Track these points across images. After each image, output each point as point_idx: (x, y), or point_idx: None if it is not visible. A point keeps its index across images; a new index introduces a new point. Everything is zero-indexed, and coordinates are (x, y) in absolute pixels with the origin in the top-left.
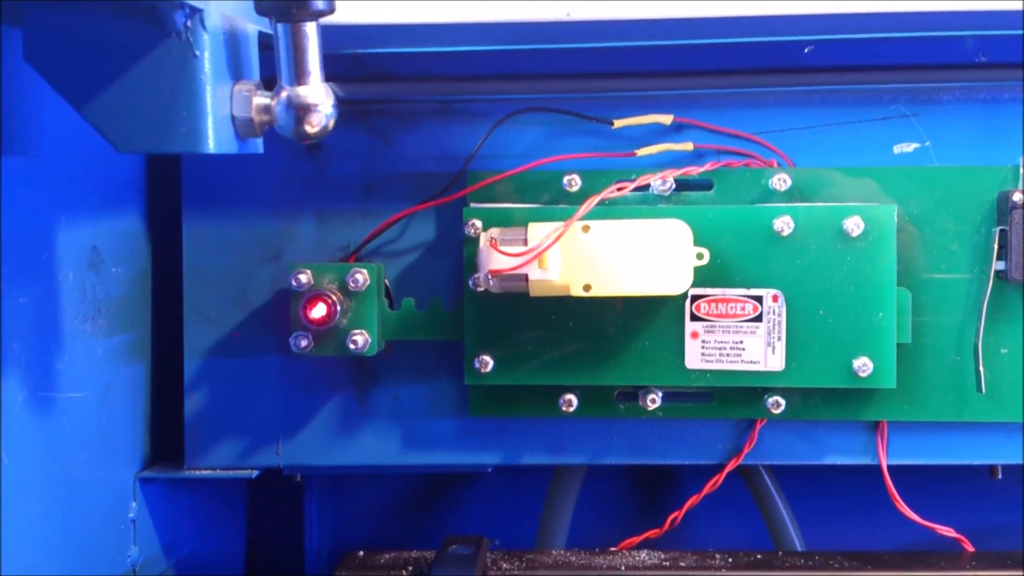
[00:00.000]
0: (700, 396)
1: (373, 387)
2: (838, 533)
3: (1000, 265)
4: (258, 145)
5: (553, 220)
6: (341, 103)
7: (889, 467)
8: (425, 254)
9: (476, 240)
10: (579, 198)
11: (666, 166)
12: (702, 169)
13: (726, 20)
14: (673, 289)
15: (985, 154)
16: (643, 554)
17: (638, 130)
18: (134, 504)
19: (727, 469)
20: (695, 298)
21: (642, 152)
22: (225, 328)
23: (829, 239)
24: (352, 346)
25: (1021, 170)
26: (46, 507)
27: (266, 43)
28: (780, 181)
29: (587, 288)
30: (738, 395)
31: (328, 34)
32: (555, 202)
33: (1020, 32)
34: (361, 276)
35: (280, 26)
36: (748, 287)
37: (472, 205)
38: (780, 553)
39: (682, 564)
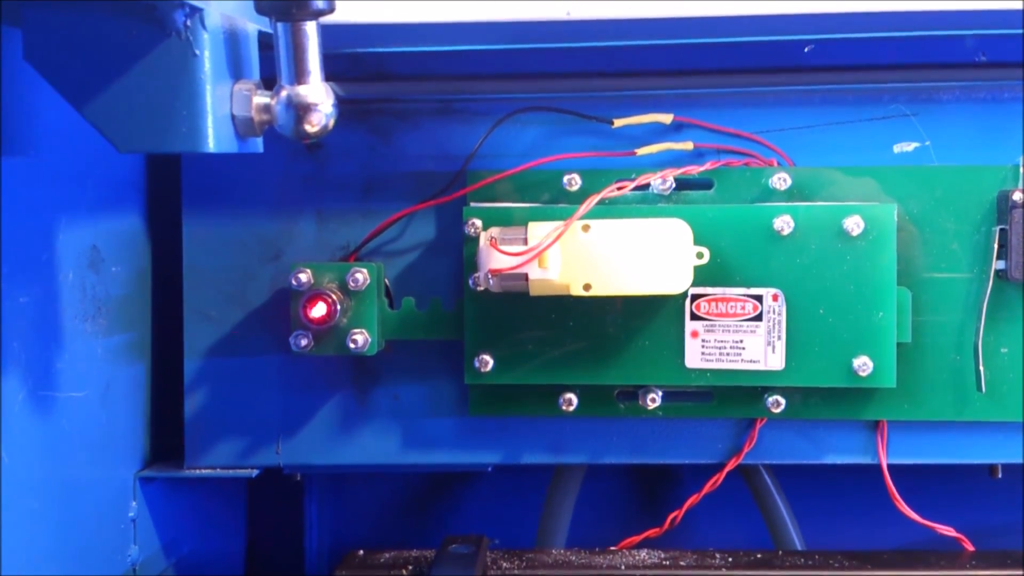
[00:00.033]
0: (700, 395)
1: (373, 386)
2: (838, 533)
3: (1000, 264)
4: (258, 144)
5: (553, 219)
6: (341, 102)
7: (889, 466)
8: (425, 253)
9: (476, 239)
10: (579, 197)
11: (666, 165)
12: (702, 168)
13: (726, 19)
14: (673, 288)
15: (985, 153)
16: (643, 553)
17: (638, 129)
18: (134, 503)
19: (727, 468)
20: (695, 297)
21: (642, 151)
22: (225, 328)
23: (829, 238)
24: (352, 345)
25: (1021, 169)
26: (46, 506)
27: (266, 42)
28: (780, 180)
29: (587, 287)
30: (738, 394)
31: (328, 33)
32: (555, 201)
33: (1020, 31)
34: (361, 275)
35: (280, 25)
36: (748, 286)
37: (472, 204)
38: (780, 553)
39: (682, 563)
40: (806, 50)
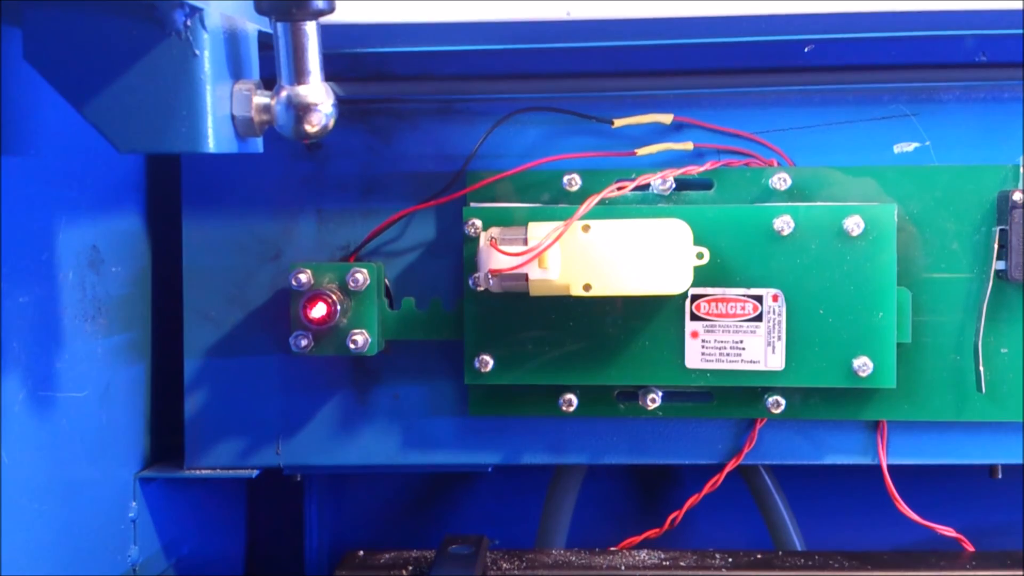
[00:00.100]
0: (700, 396)
1: (373, 387)
2: (838, 533)
3: (1000, 264)
4: (258, 145)
5: (553, 220)
6: (341, 102)
7: (889, 467)
8: (425, 254)
9: (476, 240)
10: (579, 197)
11: (666, 165)
12: (702, 168)
13: (726, 19)
14: (673, 289)
15: (985, 153)
16: (643, 554)
17: (638, 129)
18: (134, 504)
19: (727, 469)
20: (695, 298)
21: (642, 151)
22: (225, 328)
23: (829, 238)
24: (352, 346)
25: (1021, 169)
26: (46, 507)
27: (266, 42)
28: (780, 180)
29: (587, 288)
30: (738, 395)
31: (328, 33)
32: (555, 201)
33: (1020, 31)
34: (361, 276)
35: (280, 25)
36: (748, 287)
37: (472, 205)
38: (780, 553)
39: (682, 564)
40: (806, 50)
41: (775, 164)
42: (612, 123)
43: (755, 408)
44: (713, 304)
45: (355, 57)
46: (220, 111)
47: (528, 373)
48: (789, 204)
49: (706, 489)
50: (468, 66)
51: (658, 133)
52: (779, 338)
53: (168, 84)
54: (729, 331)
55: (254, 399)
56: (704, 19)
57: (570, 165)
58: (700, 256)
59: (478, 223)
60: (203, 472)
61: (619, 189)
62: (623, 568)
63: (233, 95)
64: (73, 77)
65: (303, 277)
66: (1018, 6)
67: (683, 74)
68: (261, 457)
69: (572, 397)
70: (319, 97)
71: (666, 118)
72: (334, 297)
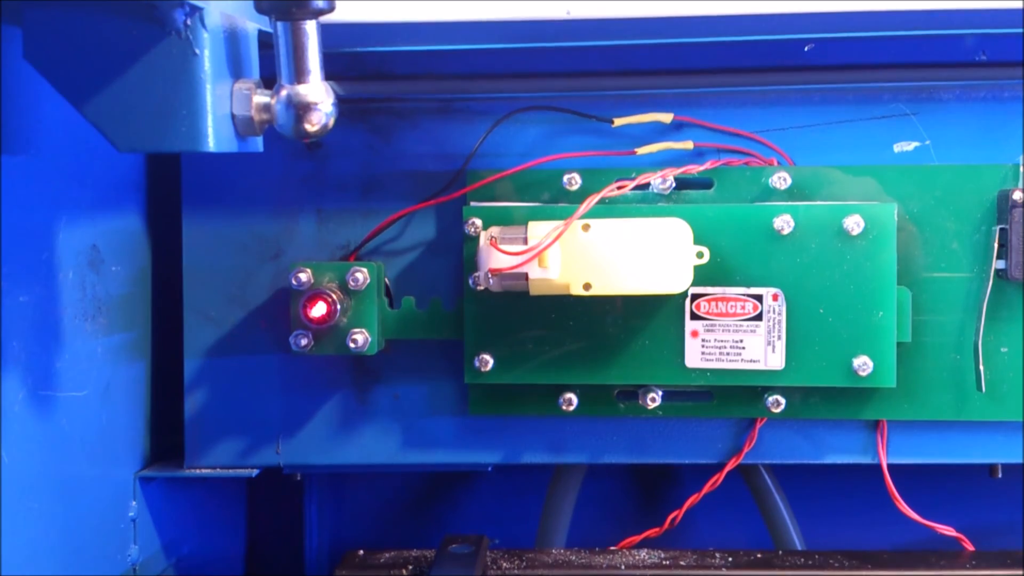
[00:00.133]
0: (700, 395)
1: (373, 386)
2: (838, 533)
3: (1000, 264)
4: (258, 144)
5: (553, 219)
6: (341, 102)
7: (889, 466)
8: (425, 253)
9: (476, 239)
10: (579, 197)
11: (666, 165)
12: (702, 168)
13: (726, 18)
14: (673, 288)
15: (985, 153)
16: (643, 553)
17: (638, 129)
18: (134, 503)
19: (727, 468)
20: (695, 297)
21: (642, 151)
22: (225, 327)
23: (829, 238)
24: (352, 345)
25: (1021, 169)
26: (46, 506)
27: (266, 42)
28: (780, 180)
29: (587, 287)
30: (738, 394)
31: (328, 32)
32: (555, 201)
33: (1020, 31)
34: (361, 275)
35: (280, 24)
36: (748, 286)
37: (472, 204)
38: (780, 552)
39: (682, 563)
40: (806, 49)
41: (775, 163)
42: (612, 122)
43: (755, 407)
44: (713, 303)
45: (355, 56)
46: (220, 110)
47: (528, 372)
48: (789, 203)
49: (706, 489)
50: (468, 65)
51: (658, 132)
52: (779, 337)
53: (168, 83)
54: (729, 330)
55: (254, 399)
56: (704, 19)
57: (570, 164)
58: (700, 255)
59: (478, 222)
60: (203, 471)
61: (619, 188)
62: (623, 568)
63: (233, 94)
64: (73, 77)
65: (303, 276)
66: (1018, 6)
67: (683, 73)
68: (261, 456)
69: (572, 396)
70: (319, 96)
71: (666, 117)
72: (334, 296)
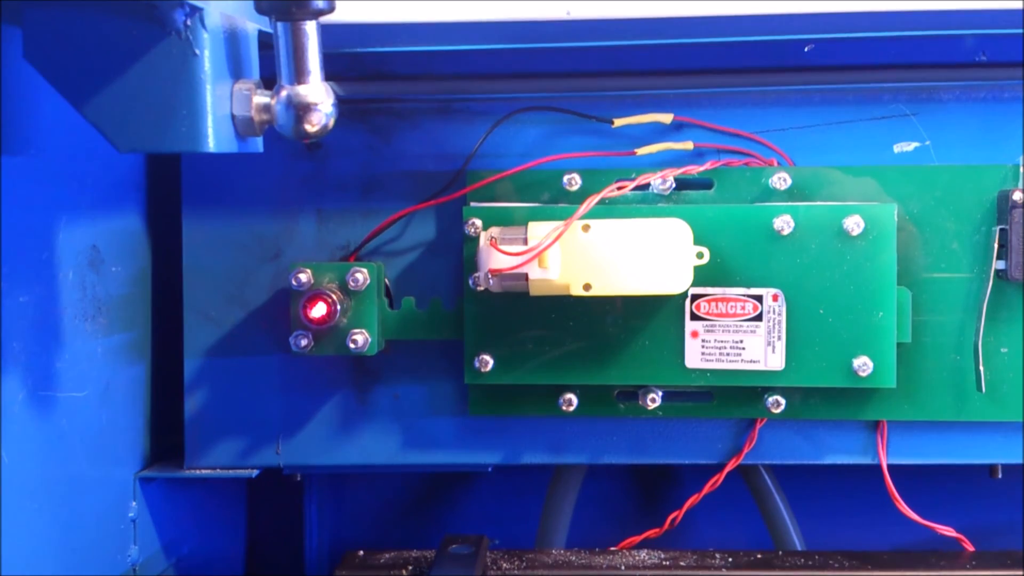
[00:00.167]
0: (700, 395)
1: (373, 386)
2: (838, 533)
3: (1000, 264)
4: (258, 144)
5: (553, 219)
6: (341, 102)
7: (889, 467)
8: (425, 253)
9: (476, 239)
10: (579, 197)
11: (666, 165)
12: (702, 168)
13: (726, 19)
14: (673, 288)
15: (985, 153)
16: (643, 554)
17: (638, 129)
18: (134, 504)
19: (727, 469)
20: (695, 297)
21: (642, 151)
22: (225, 328)
23: (829, 238)
24: (352, 345)
25: (1021, 169)
26: (46, 506)
27: (266, 42)
28: (780, 180)
29: (587, 287)
30: (738, 394)
31: (328, 33)
32: (555, 201)
33: (1020, 31)
34: (361, 275)
35: (280, 25)
36: (748, 286)
37: (472, 204)
38: (780, 553)
39: (682, 564)
40: (806, 49)
41: (775, 164)
42: (612, 123)
43: (755, 408)
44: (713, 304)
45: (355, 57)
46: (220, 111)
47: (528, 373)
48: (789, 204)
49: (706, 489)
50: (468, 66)
51: (658, 133)
52: (779, 338)
53: (168, 84)
54: (729, 331)
55: (254, 399)
56: (704, 19)
57: (570, 165)
58: (700, 256)
59: (478, 223)
60: (203, 472)
61: (619, 189)
62: (623, 568)
63: (233, 95)
64: (73, 77)
65: (303, 277)
66: (1018, 6)
67: (683, 74)
68: (261, 457)
69: (572, 397)
70: (319, 97)
71: (666, 118)
72: (334, 297)
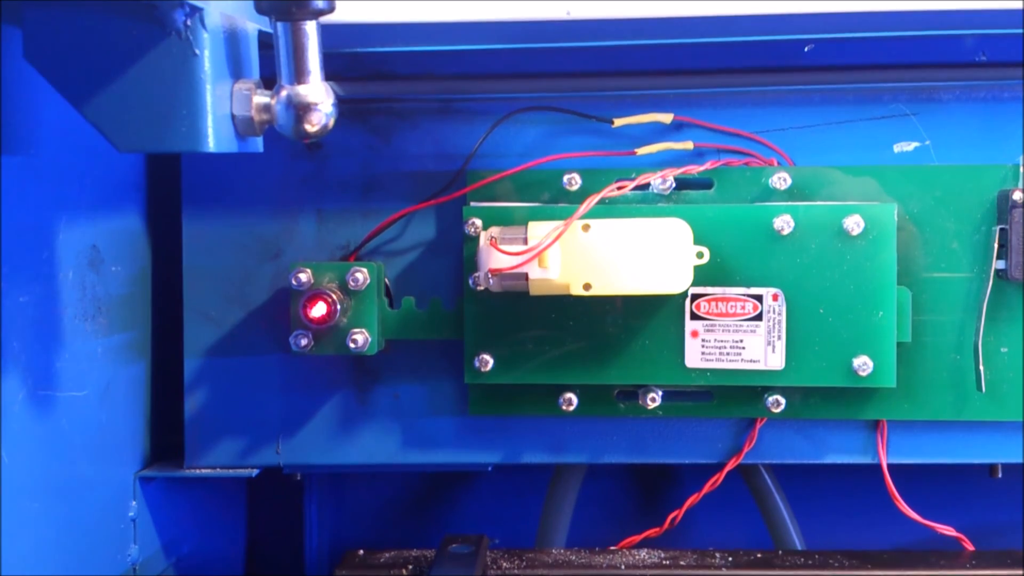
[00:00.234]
0: (700, 395)
1: (373, 386)
2: (838, 533)
3: (1000, 264)
4: (258, 144)
5: (553, 219)
6: (341, 102)
7: (889, 466)
8: (425, 253)
9: (476, 239)
10: (579, 197)
11: (666, 165)
12: (702, 168)
13: (726, 19)
14: (673, 288)
15: (985, 153)
16: (643, 553)
17: (638, 129)
18: (134, 503)
19: (727, 468)
20: (695, 297)
21: (642, 151)
22: (225, 328)
23: (829, 238)
24: (352, 345)
25: (1021, 169)
26: (46, 506)
27: (266, 42)
28: (780, 180)
29: (587, 287)
30: (738, 394)
31: (328, 33)
32: (555, 201)
33: (1020, 31)
34: (361, 275)
35: (280, 25)
36: (748, 286)
37: (472, 204)
38: (780, 553)
39: (682, 563)
40: (806, 49)
41: (775, 163)
42: (612, 123)
43: (755, 407)
44: (713, 303)
45: (355, 57)
46: (220, 110)
47: (528, 372)
48: (789, 203)
49: (706, 488)
50: (468, 66)
51: (658, 132)
52: (779, 337)
53: (168, 84)
54: (729, 330)
55: (254, 399)
56: (704, 19)
57: (570, 164)
58: (700, 255)
59: (478, 222)
60: (203, 471)
61: (619, 188)
62: (623, 568)
63: (233, 94)
64: (73, 77)
65: (303, 276)
66: (1018, 6)
67: (683, 74)
68: (261, 456)
69: (572, 396)
70: (319, 97)
71: (666, 117)
72: (334, 296)
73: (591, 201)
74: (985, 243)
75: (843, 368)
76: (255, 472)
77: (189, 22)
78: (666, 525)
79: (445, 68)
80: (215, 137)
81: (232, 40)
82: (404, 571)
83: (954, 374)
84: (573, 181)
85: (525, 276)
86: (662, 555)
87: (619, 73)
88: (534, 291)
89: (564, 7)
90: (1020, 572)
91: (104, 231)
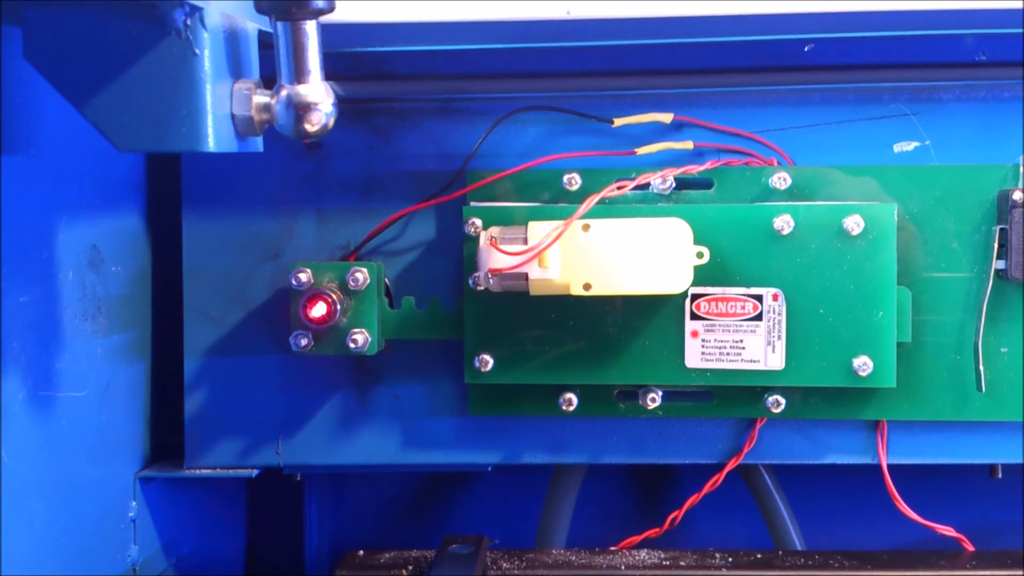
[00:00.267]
0: (700, 395)
1: (373, 386)
2: (838, 533)
3: (1000, 264)
4: (258, 144)
5: (553, 219)
6: (341, 102)
7: (889, 466)
8: (425, 253)
9: (476, 239)
10: (579, 197)
11: (666, 165)
12: (702, 168)
13: (726, 19)
14: (673, 288)
15: (985, 153)
16: (643, 553)
17: (638, 129)
18: (134, 503)
19: (727, 468)
20: (695, 297)
21: (642, 151)
22: (225, 328)
23: (829, 238)
24: (352, 345)
25: (1021, 169)
26: (46, 507)
27: (266, 41)
28: (780, 180)
29: (587, 287)
30: (738, 394)
31: (328, 32)
32: (555, 201)
33: (1020, 31)
34: (361, 275)
35: (280, 24)
36: (748, 286)
37: (472, 204)
38: (780, 553)
39: (682, 563)
40: (806, 49)
41: (775, 163)
42: (612, 122)
43: (755, 408)
44: (713, 303)
45: (355, 56)
46: (220, 110)
47: (528, 372)
48: (789, 203)
49: (706, 489)
50: (468, 65)
51: (658, 132)
52: (779, 337)
53: (168, 83)
54: (729, 330)
55: (254, 399)
56: (704, 19)
57: (570, 164)
58: (700, 255)
59: (478, 222)
60: (203, 472)
61: (619, 188)
62: (623, 568)
63: (233, 94)
64: (73, 77)
65: (303, 276)
66: (1018, 6)
67: (683, 74)
68: (261, 456)
69: (572, 396)
70: (319, 96)
71: (666, 117)
72: (334, 296)
73: (591, 201)
74: (985, 243)
75: (843, 368)
76: (255, 472)
77: (189, 22)
78: (666, 525)
79: (445, 68)
80: (215, 137)
81: (232, 40)
82: (404, 571)
83: (954, 374)
84: (573, 181)
85: (525, 276)
86: (662, 555)
87: (619, 73)
88: (534, 291)
89: (564, 7)
90: (1020, 572)
91: (104, 231)
